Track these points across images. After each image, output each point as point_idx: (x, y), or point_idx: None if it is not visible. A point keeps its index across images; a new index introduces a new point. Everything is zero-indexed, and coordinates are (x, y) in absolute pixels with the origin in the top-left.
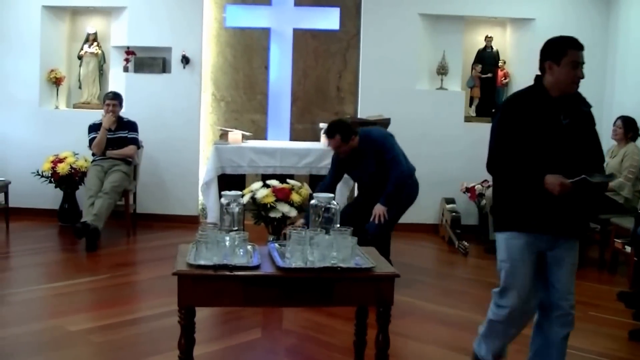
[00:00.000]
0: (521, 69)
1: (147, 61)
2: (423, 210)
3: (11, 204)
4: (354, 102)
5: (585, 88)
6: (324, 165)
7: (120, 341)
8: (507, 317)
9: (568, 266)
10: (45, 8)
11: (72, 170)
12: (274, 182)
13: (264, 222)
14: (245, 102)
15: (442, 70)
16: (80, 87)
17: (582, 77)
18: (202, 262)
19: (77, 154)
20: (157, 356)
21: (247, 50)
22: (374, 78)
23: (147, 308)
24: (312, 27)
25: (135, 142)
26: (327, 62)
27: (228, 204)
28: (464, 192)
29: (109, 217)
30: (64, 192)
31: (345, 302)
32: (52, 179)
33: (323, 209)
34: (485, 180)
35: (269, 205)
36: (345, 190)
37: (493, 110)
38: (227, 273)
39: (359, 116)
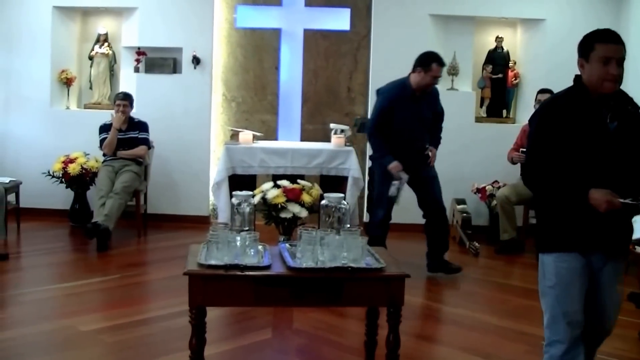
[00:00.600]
0: (531, 70)
1: (157, 62)
2: None
3: (22, 204)
4: (365, 102)
5: None
6: (335, 166)
7: (131, 341)
8: (564, 353)
9: (615, 287)
10: (56, 9)
11: (83, 171)
12: (284, 183)
13: (274, 222)
14: (256, 103)
15: (453, 71)
16: (91, 88)
17: (616, 74)
18: (213, 262)
19: (88, 155)
20: (168, 356)
21: (257, 51)
22: (384, 78)
23: (158, 308)
24: (323, 28)
25: (146, 143)
26: (338, 62)
27: (239, 204)
28: (475, 193)
29: (120, 217)
30: (74, 193)
31: (355, 302)
32: (63, 180)
33: (334, 208)
34: (496, 181)
35: (279, 206)
36: (355, 191)
37: (530, 118)
38: (238, 273)
39: (369, 117)
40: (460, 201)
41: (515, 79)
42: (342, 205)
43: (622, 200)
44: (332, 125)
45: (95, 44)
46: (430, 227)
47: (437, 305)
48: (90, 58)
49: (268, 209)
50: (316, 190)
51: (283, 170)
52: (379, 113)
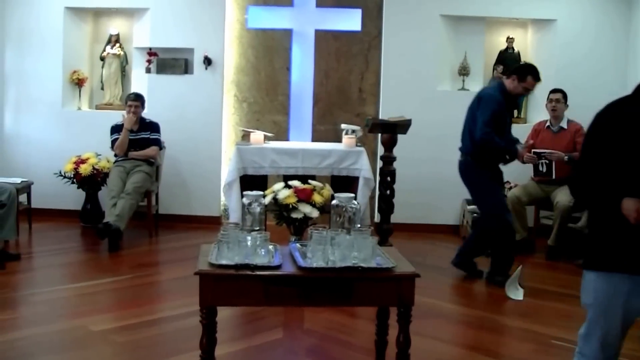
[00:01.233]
0: (542, 70)
1: (169, 62)
2: (444, 211)
3: (34, 205)
4: (376, 103)
5: (605, 90)
6: (346, 166)
7: (142, 341)
8: None
9: None
10: (67, 9)
11: (95, 171)
12: (295, 183)
13: (285, 222)
14: (267, 103)
15: (464, 71)
16: (102, 88)
17: None
18: (224, 262)
19: (99, 155)
20: (179, 356)
21: (269, 52)
22: (395, 79)
23: (169, 308)
24: (334, 28)
25: (158, 143)
26: (349, 63)
27: (250, 204)
28: None
29: (131, 217)
30: (86, 193)
31: (366, 302)
32: (74, 180)
33: (344, 208)
34: (507, 182)
35: (290, 206)
36: (366, 191)
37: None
38: (249, 273)
39: (380, 117)
40: (471, 201)
41: None
42: (353, 205)
43: None
44: (343, 126)
45: (107, 44)
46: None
47: (447, 305)
48: (102, 59)
49: (279, 209)
50: (327, 190)
51: (294, 171)
52: (492, 116)
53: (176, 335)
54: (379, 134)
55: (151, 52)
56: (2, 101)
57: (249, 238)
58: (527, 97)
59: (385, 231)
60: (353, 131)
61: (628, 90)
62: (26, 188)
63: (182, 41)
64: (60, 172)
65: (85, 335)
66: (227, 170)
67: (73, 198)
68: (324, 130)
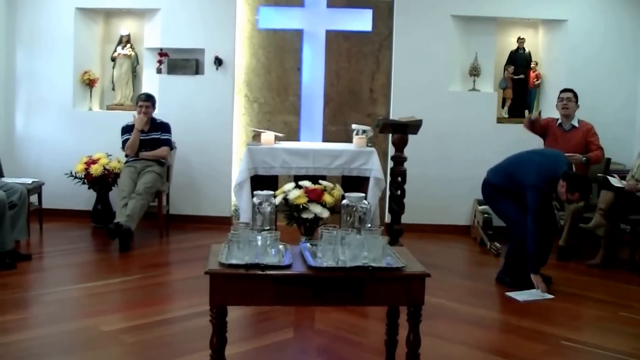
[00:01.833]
0: (553, 70)
1: (180, 63)
2: (455, 211)
3: (45, 205)
4: (386, 103)
5: (616, 91)
6: (356, 166)
7: (153, 341)
8: None
9: None
10: (78, 10)
11: (105, 172)
12: (306, 183)
13: (296, 223)
14: (278, 104)
15: (475, 72)
16: (113, 89)
17: None
18: (234, 262)
19: (110, 155)
20: (190, 356)
21: (279, 52)
22: (406, 79)
23: (179, 308)
24: (345, 29)
25: (168, 144)
26: (360, 63)
27: (260, 204)
28: None
29: (142, 218)
30: (97, 193)
31: (376, 302)
32: (85, 180)
33: (354, 208)
34: None
35: (301, 206)
36: (377, 192)
37: None
38: (259, 272)
39: (391, 117)
40: (482, 202)
41: (537, 80)
42: (363, 205)
43: None
44: (353, 126)
45: (118, 45)
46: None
47: (456, 304)
48: (113, 59)
49: (290, 209)
50: (338, 190)
51: (305, 171)
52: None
53: (186, 335)
54: (390, 135)
55: (162, 53)
56: (14, 102)
57: (259, 238)
58: (538, 98)
59: (395, 232)
60: (364, 131)
61: (638, 91)
62: (37, 188)
63: (193, 42)
64: (71, 173)
65: (95, 335)
66: (238, 170)
67: (84, 198)
68: (335, 130)
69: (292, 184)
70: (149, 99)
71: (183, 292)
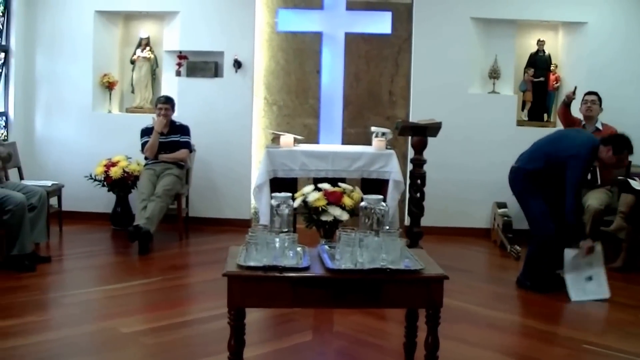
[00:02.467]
0: (573, 73)
1: (199, 65)
2: (475, 214)
3: (64, 208)
4: (406, 106)
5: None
6: (376, 169)
7: (172, 343)
8: None
9: None
10: (98, 13)
11: (125, 174)
12: (325, 186)
13: (315, 225)
14: (297, 106)
15: (494, 74)
16: (132, 92)
17: None
18: (252, 264)
19: (129, 158)
20: (208, 358)
21: (299, 54)
22: (425, 82)
23: (198, 310)
24: (364, 31)
25: (188, 146)
26: (379, 66)
27: (278, 206)
28: None
29: (161, 220)
30: (116, 196)
31: (394, 304)
32: (105, 183)
33: (373, 210)
34: None
35: (320, 209)
36: (396, 194)
37: None
38: (277, 274)
39: (410, 120)
40: (502, 205)
41: (557, 83)
42: (381, 207)
43: None
44: (373, 129)
45: (137, 47)
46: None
47: (476, 308)
48: (132, 62)
49: (309, 212)
50: (357, 193)
51: (324, 174)
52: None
53: (206, 337)
54: (409, 137)
55: (181, 55)
56: (33, 104)
57: (277, 240)
58: (557, 101)
59: (415, 234)
60: (383, 134)
61: None
62: (57, 191)
63: (212, 44)
64: (90, 175)
65: (115, 337)
66: (257, 173)
67: (103, 201)
68: (355, 133)
69: (312, 187)
70: (169, 102)
71: (202, 294)
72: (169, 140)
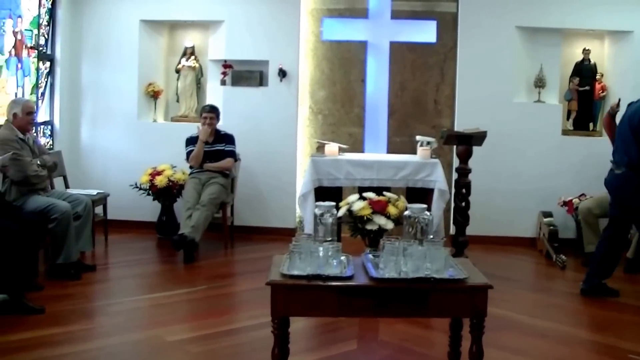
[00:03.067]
0: (619, 82)
1: (244, 74)
2: (521, 223)
3: (110, 217)
4: (451, 115)
5: None
6: (421, 178)
7: (217, 351)
8: None
9: None
10: (143, 22)
11: (170, 183)
12: (370, 195)
13: (360, 234)
14: (342, 115)
15: (540, 83)
16: (177, 101)
17: None
18: (296, 272)
19: (174, 167)
20: None
21: (344, 63)
22: (471, 91)
23: (244, 319)
24: (409, 40)
25: (233, 155)
26: (425, 74)
27: (322, 215)
28: (562, 206)
29: (207, 229)
30: (161, 205)
31: (438, 313)
32: (150, 192)
33: (416, 219)
34: (583, 194)
35: (365, 218)
36: (441, 203)
37: None
38: (321, 283)
39: (455, 129)
40: (547, 214)
41: (603, 92)
42: (425, 216)
43: None
44: (418, 137)
45: (182, 57)
46: None
47: (521, 317)
48: (177, 71)
49: (354, 221)
50: (402, 202)
51: (369, 183)
52: None
53: (251, 345)
54: (455, 146)
55: (226, 65)
56: (79, 113)
57: (321, 249)
58: (602, 111)
59: (460, 243)
60: (428, 143)
61: None
62: (102, 200)
63: (257, 53)
64: (136, 184)
65: (160, 346)
66: (302, 181)
67: (149, 210)
68: (400, 142)
69: (356, 196)
70: (213, 111)
71: (248, 302)
72: (214, 149)
